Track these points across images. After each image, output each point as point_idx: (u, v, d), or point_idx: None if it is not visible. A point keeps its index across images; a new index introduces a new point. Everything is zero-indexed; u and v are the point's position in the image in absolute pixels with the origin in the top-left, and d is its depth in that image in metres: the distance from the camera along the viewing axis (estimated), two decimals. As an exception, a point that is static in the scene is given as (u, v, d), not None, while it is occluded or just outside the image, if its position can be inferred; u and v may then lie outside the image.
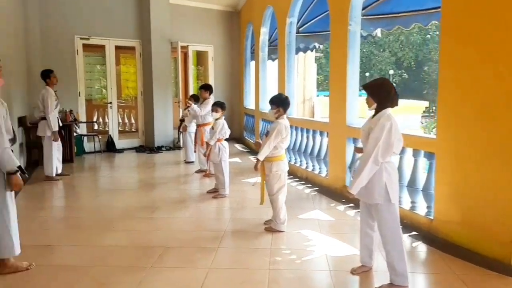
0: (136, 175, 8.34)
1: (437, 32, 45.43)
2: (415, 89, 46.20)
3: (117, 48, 10.94)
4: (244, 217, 5.45)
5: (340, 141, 6.41)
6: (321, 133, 7.14)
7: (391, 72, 41.19)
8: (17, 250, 3.67)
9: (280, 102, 4.79)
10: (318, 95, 20.60)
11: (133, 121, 13.93)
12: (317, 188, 6.90)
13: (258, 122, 10.37)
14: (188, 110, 8.52)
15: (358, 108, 6.43)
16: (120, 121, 12.74)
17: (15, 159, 3.47)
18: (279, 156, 4.81)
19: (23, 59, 8.60)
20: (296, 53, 8.53)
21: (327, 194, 6.53)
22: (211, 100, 7.84)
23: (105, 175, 8.27)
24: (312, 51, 9.38)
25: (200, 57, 13.45)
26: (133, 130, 13.73)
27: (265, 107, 10.34)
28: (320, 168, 7.16)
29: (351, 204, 5.91)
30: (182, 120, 9.08)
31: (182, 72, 11.52)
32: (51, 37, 9.77)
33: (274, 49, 10.22)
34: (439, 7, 4.75)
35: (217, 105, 6.41)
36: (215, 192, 6.46)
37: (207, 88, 8.13)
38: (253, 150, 10.66)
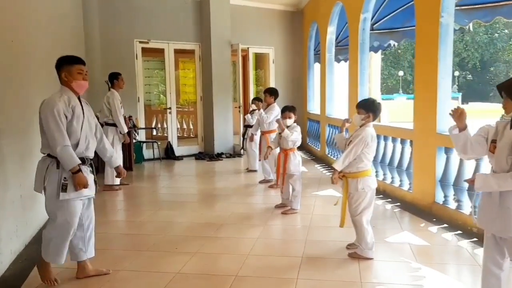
0: (197, 185, 7.87)
1: (506, 31, 42.81)
2: (481, 91, 43.63)
3: (176, 52, 10.58)
4: (322, 239, 4.74)
5: (428, 150, 5.56)
6: (403, 141, 6.30)
7: (456, 73, 38.91)
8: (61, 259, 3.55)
9: (370, 107, 4.10)
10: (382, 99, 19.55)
11: (191, 126, 13.63)
12: (398, 204, 6.10)
13: (324, 128, 9.63)
14: (251, 115, 7.98)
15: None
16: (179, 127, 12.43)
17: (76, 157, 3.34)
18: (366, 171, 4.09)
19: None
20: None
21: (412, 211, 5.72)
22: (276, 105, 7.25)
23: (165, 185, 7.82)
24: (385, 49, 8.53)
25: (260, 60, 12.90)
26: (191, 136, 13.40)
27: (332, 112, 9.62)
28: (401, 181, 6.35)
29: (445, 225, 5.08)
30: (247, 127, 8.51)
31: (242, 75, 10.97)
32: (111, 41, 9.54)
33: (342, 49, 9.50)
34: None
35: (290, 110, 5.72)
36: (284, 207, 5.81)
37: (272, 92, 7.52)
38: (319, 158, 9.93)
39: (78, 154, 3.39)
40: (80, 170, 3.36)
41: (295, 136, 5.57)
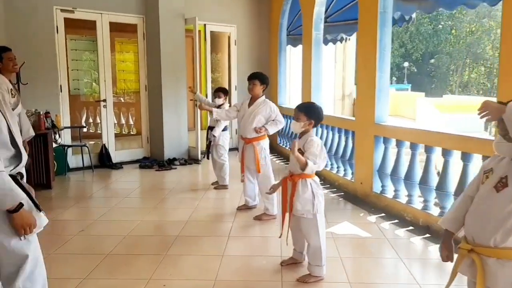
0: (146, 216, 5.17)
1: (449, 22, 42.90)
2: (424, 83, 43.59)
3: (112, 28, 8.00)
4: None
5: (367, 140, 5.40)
6: (346, 132, 6.26)
7: (406, 64, 38.49)
8: None
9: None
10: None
11: (131, 122, 11.09)
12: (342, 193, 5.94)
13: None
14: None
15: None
16: (116, 122, 9.88)
17: (17, 190, 2.15)
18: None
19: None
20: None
21: (353, 200, 5.66)
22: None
23: (98, 215, 5.17)
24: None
25: (216, 41, 10.56)
26: (131, 133, 10.88)
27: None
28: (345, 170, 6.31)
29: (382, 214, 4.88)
30: (213, 128, 6.24)
31: (199, 60, 8.58)
32: (18, 9, 6.88)
33: (333, 26, 7.46)
34: None
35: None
36: (296, 264, 3.68)
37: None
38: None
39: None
40: (22, 205, 2.18)
41: (313, 151, 3.38)
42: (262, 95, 5.02)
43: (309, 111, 3.48)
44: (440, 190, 4.42)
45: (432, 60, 44.97)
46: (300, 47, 9.28)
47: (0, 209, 2.16)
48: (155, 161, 8.14)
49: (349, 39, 8.97)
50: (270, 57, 9.82)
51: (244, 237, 4.48)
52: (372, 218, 5.02)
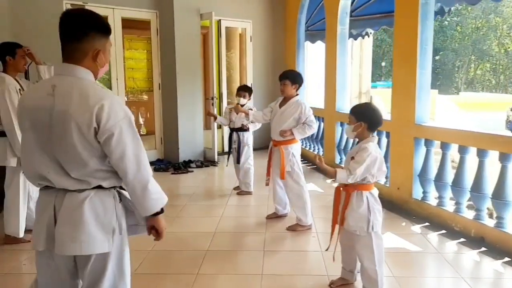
0: (169, 227, 4.64)
1: (455, 18, 42.37)
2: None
3: (123, 23, 7.58)
4: None
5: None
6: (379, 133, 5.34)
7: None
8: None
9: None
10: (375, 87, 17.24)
11: (141, 121, 10.71)
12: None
13: (332, 127, 7.12)
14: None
15: None
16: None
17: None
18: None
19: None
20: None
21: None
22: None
23: None
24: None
25: (229, 37, 10.13)
26: (142, 133, 10.48)
27: (344, 105, 7.14)
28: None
29: None
30: (236, 130, 5.83)
31: (214, 58, 8.11)
32: (26, 3, 6.47)
33: (358, 21, 7.05)
34: None
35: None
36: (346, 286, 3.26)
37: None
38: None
39: None
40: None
41: (358, 159, 2.95)
42: (296, 95, 4.60)
43: (359, 112, 3.06)
44: (497, 198, 4.01)
45: (437, 57, 44.47)
46: (318, 43, 8.91)
47: (148, 212, 2.01)
48: (169, 163, 7.73)
49: (371, 34, 8.55)
50: (286, 53, 9.40)
51: (281, 252, 4.06)
52: (416, 228, 4.61)
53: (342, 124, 6.99)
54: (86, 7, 6.96)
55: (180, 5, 7.63)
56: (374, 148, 2.99)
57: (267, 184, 4.85)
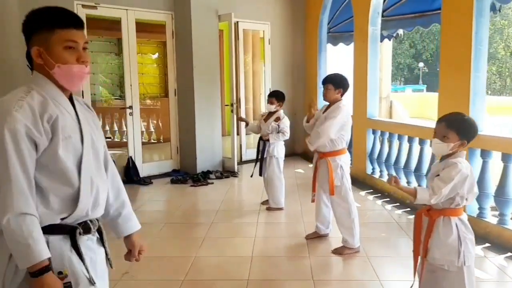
0: (200, 250, 4.18)
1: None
2: (435, 83, 42.64)
3: (137, 26, 7.11)
4: None
5: None
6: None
7: (421, 65, 37.52)
8: None
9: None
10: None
11: (152, 129, 10.21)
12: None
13: (363, 134, 6.63)
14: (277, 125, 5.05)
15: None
16: (144, 131, 9.00)
17: (39, 245, 1.44)
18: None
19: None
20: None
21: None
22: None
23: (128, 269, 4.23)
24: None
25: (246, 40, 9.67)
26: (153, 141, 10.02)
27: (375, 112, 6.67)
28: None
29: None
30: (264, 141, 5.35)
31: (233, 61, 7.63)
32: (37, 4, 5.98)
33: (389, 22, 6.58)
34: None
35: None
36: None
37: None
38: (357, 180, 6.75)
39: (78, 217, 1.60)
40: (48, 269, 1.46)
41: (444, 176, 2.44)
42: (340, 99, 4.11)
43: (462, 128, 2.49)
44: None
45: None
46: (340, 45, 8.45)
47: (18, 265, 1.48)
48: (187, 174, 7.23)
49: (401, 35, 8.08)
50: (306, 57, 8.94)
51: (334, 282, 3.56)
52: (477, 249, 4.10)
53: (374, 132, 6.52)
54: (99, 8, 6.51)
55: (197, 5, 7.15)
56: (465, 165, 2.48)
57: (313, 201, 4.37)
